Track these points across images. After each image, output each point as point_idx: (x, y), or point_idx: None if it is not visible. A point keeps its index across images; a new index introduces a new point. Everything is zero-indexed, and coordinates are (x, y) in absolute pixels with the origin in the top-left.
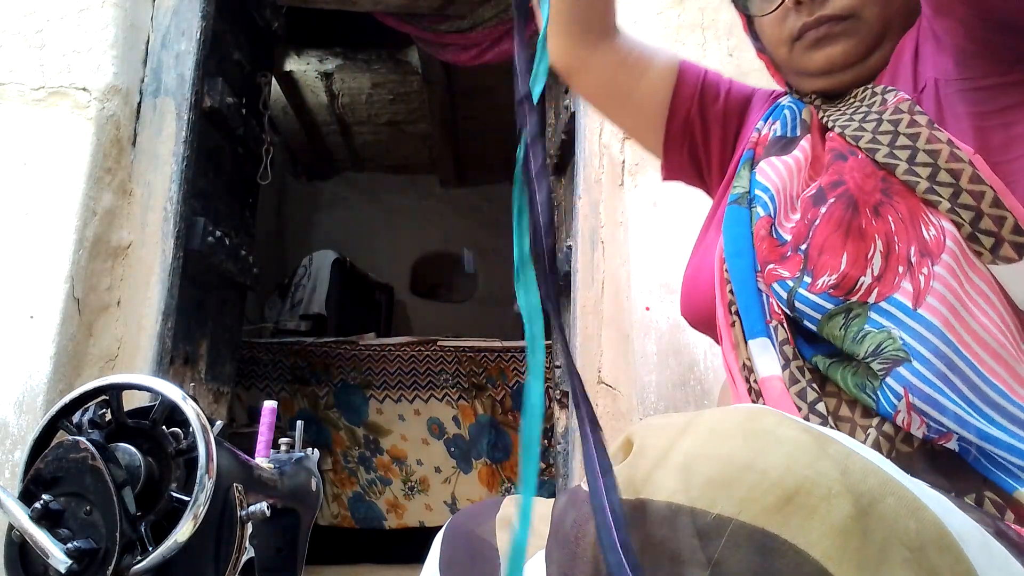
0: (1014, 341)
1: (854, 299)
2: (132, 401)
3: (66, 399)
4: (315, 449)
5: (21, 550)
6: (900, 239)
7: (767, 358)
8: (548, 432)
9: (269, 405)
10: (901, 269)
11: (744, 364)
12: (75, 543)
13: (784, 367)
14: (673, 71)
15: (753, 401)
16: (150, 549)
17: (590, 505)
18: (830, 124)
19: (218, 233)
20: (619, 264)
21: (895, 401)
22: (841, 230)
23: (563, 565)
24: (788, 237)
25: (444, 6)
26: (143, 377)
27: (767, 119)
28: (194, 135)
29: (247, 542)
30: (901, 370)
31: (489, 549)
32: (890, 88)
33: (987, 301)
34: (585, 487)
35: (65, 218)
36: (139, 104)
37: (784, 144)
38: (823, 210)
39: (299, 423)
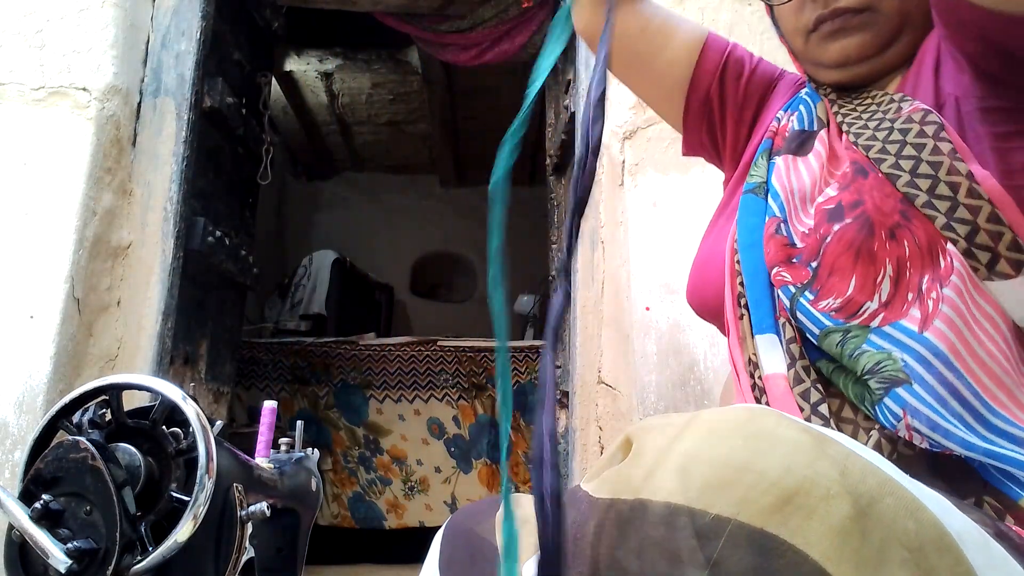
0: (1016, 366)
1: (855, 322)
2: (132, 401)
3: (66, 399)
4: (315, 449)
5: (21, 550)
6: (913, 265)
7: (773, 355)
8: None
9: (269, 405)
10: (911, 296)
11: (750, 359)
12: (75, 543)
13: (790, 366)
14: (698, 44)
15: (756, 398)
16: (150, 549)
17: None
18: (845, 127)
19: (218, 233)
20: (619, 264)
21: (894, 420)
22: (852, 251)
23: None
24: (799, 244)
25: (444, 6)
26: (143, 377)
27: (788, 108)
28: (194, 135)
29: (247, 542)
30: (900, 391)
31: (489, 548)
32: (907, 97)
33: (992, 323)
34: (584, 487)
35: (65, 218)
36: (139, 104)
37: (801, 141)
38: (836, 228)
39: (299, 423)
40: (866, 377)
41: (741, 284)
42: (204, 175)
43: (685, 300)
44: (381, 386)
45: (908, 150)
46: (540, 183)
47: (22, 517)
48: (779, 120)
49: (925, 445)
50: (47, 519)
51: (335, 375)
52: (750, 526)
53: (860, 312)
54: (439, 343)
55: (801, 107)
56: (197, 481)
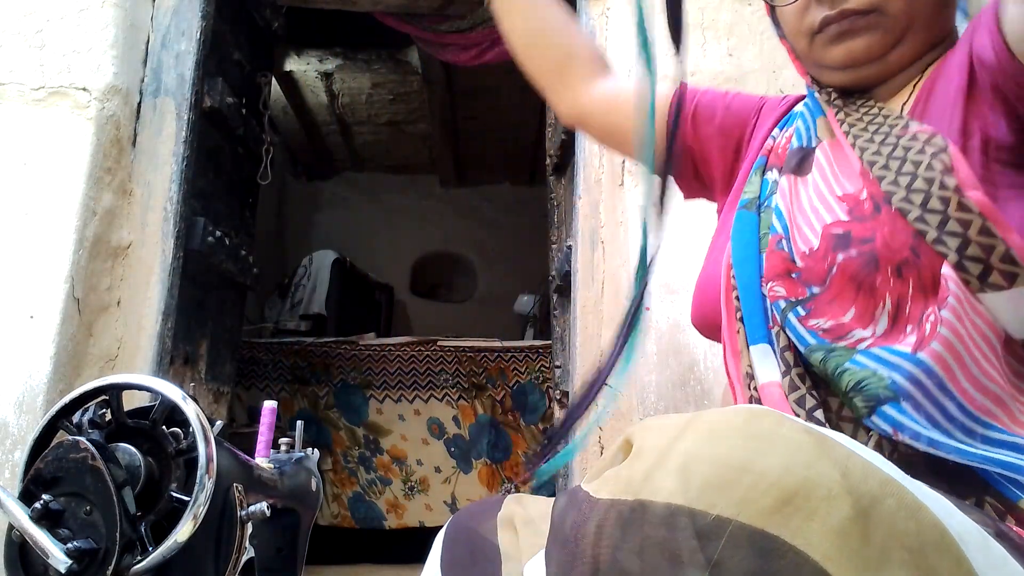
0: (1008, 379)
1: (841, 345)
2: (132, 401)
3: (66, 399)
4: (315, 449)
5: (21, 550)
6: (914, 301)
7: (768, 364)
8: (548, 432)
9: (269, 405)
10: (910, 328)
11: (746, 372)
12: (75, 543)
13: (784, 373)
14: (665, 105)
15: None
16: (150, 549)
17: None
18: (851, 139)
19: (218, 233)
20: (619, 264)
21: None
22: (854, 284)
23: (562, 565)
24: (800, 263)
25: (444, 6)
26: (143, 377)
27: (783, 126)
28: (194, 135)
29: (247, 542)
30: (887, 409)
31: (491, 548)
32: (914, 120)
33: (985, 339)
34: (585, 487)
35: (65, 218)
36: (139, 104)
37: (801, 158)
38: (841, 258)
39: (299, 423)
40: (851, 395)
41: (737, 299)
42: (204, 175)
43: (685, 300)
44: (381, 386)
45: (919, 183)
46: (540, 183)
47: (22, 517)
48: (774, 138)
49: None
50: (47, 519)
51: (335, 375)
52: (751, 527)
53: (848, 336)
54: (439, 343)
55: (799, 123)
56: (197, 481)
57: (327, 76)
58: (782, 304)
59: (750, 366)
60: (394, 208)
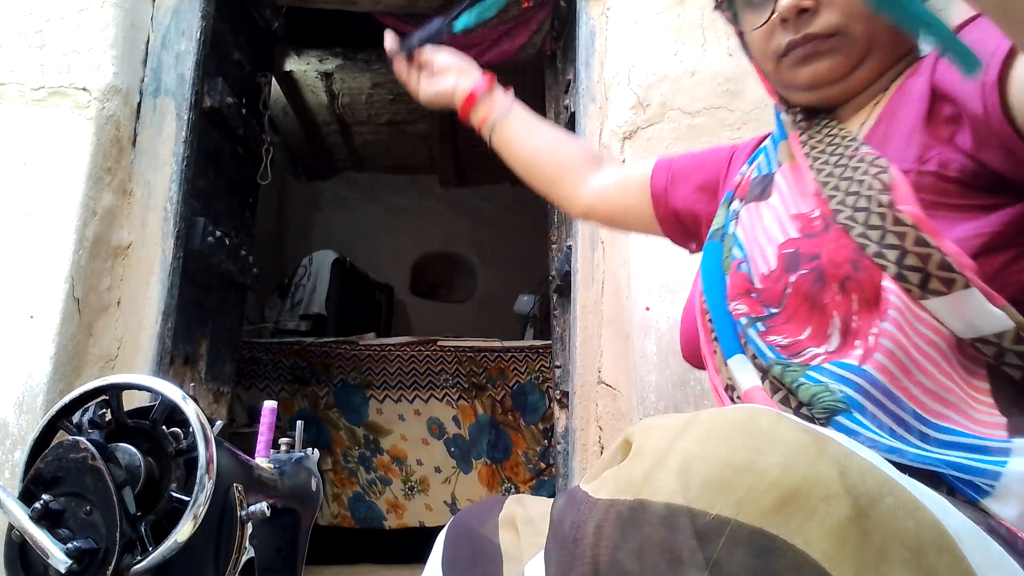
0: (958, 380)
1: (796, 362)
2: (132, 401)
3: (66, 399)
4: (315, 449)
5: (21, 550)
6: (860, 317)
7: (747, 371)
8: (548, 432)
9: (269, 405)
10: (858, 343)
11: (727, 384)
12: (75, 543)
13: (763, 378)
14: (645, 183)
15: None
16: (150, 549)
17: None
18: (811, 161)
19: (218, 233)
20: (619, 264)
21: None
22: (807, 303)
23: (562, 566)
24: (759, 284)
25: (444, 6)
26: (143, 377)
27: (750, 162)
28: (194, 135)
29: (247, 542)
30: (840, 419)
31: (492, 548)
32: (865, 144)
33: (931, 344)
34: (584, 487)
35: (65, 218)
36: (139, 104)
37: (763, 186)
38: (793, 279)
39: (299, 423)
40: (808, 407)
41: (710, 321)
42: (204, 175)
43: (685, 300)
44: (381, 386)
45: (862, 201)
46: None
47: (22, 517)
48: (742, 174)
49: None
50: (47, 519)
51: (335, 375)
52: (750, 526)
53: (802, 354)
54: (439, 343)
55: (762, 156)
56: (197, 481)
57: (327, 76)
58: (743, 321)
59: (730, 378)
60: (394, 208)
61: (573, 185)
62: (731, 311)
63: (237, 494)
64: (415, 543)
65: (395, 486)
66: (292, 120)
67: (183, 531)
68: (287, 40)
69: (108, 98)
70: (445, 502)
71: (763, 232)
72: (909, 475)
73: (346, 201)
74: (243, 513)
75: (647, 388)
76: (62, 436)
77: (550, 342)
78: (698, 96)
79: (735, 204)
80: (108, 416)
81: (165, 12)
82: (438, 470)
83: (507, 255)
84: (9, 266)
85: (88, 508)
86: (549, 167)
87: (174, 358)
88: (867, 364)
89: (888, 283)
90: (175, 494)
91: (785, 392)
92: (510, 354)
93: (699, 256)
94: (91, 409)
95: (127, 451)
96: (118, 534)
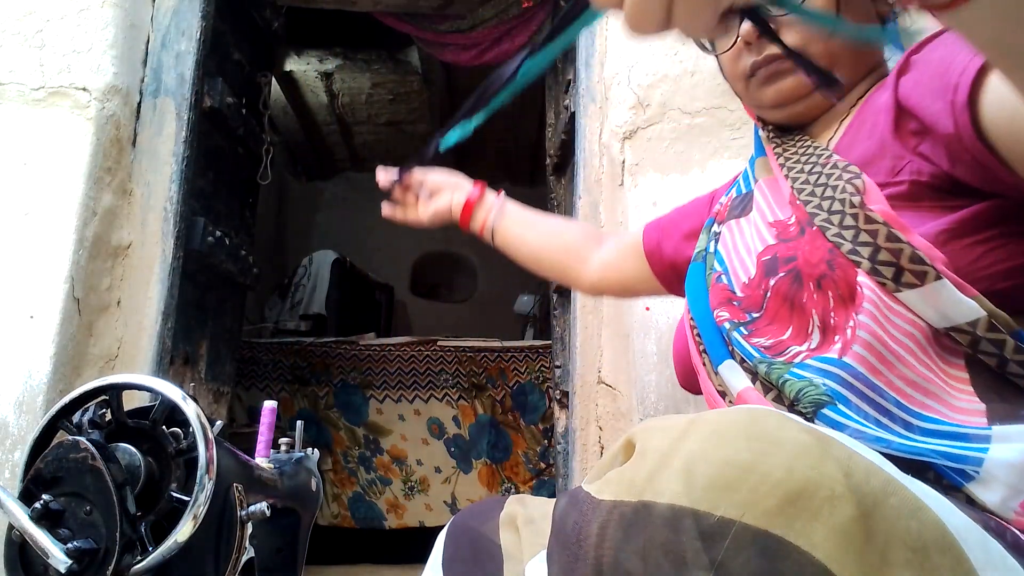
0: (937, 370)
1: (780, 360)
2: (132, 401)
3: (66, 399)
4: (315, 449)
5: (21, 550)
6: (837, 312)
7: (737, 375)
8: (548, 432)
9: (269, 405)
10: (837, 337)
11: (719, 391)
12: (75, 543)
13: (753, 380)
14: (639, 245)
15: None
16: (150, 549)
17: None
18: (786, 172)
19: (218, 233)
20: None
21: None
22: (787, 304)
23: (564, 566)
24: (739, 292)
25: (444, 6)
26: (143, 377)
27: (728, 192)
28: (194, 135)
29: (247, 542)
30: (826, 411)
31: (493, 547)
32: (836, 154)
33: (908, 335)
34: (586, 488)
35: (65, 218)
36: (139, 104)
37: (743, 205)
38: (772, 282)
39: (299, 423)
40: (795, 403)
41: (698, 335)
42: (204, 175)
43: (675, 330)
44: (381, 386)
45: (836, 205)
46: (540, 183)
47: (22, 517)
48: (721, 203)
49: None
50: (47, 519)
51: (335, 375)
52: (755, 528)
53: (785, 352)
54: (439, 343)
55: (740, 180)
56: (197, 481)
57: (327, 76)
58: (727, 326)
59: (722, 384)
60: None
61: (579, 267)
62: (715, 319)
63: (237, 494)
64: (415, 543)
65: (395, 486)
66: (292, 120)
67: (183, 531)
68: (287, 40)
69: (108, 98)
70: (445, 502)
71: (743, 244)
72: (895, 464)
73: (346, 201)
74: (243, 513)
75: (647, 388)
76: (62, 436)
77: (550, 342)
78: (698, 96)
79: (715, 227)
80: (108, 416)
81: (165, 12)
82: (438, 470)
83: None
84: (9, 266)
85: (88, 508)
86: (553, 256)
87: (174, 358)
88: (847, 357)
89: (863, 278)
90: (175, 494)
91: (776, 391)
92: (510, 354)
93: None
94: (91, 409)
95: (127, 451)
96: (118, 534)
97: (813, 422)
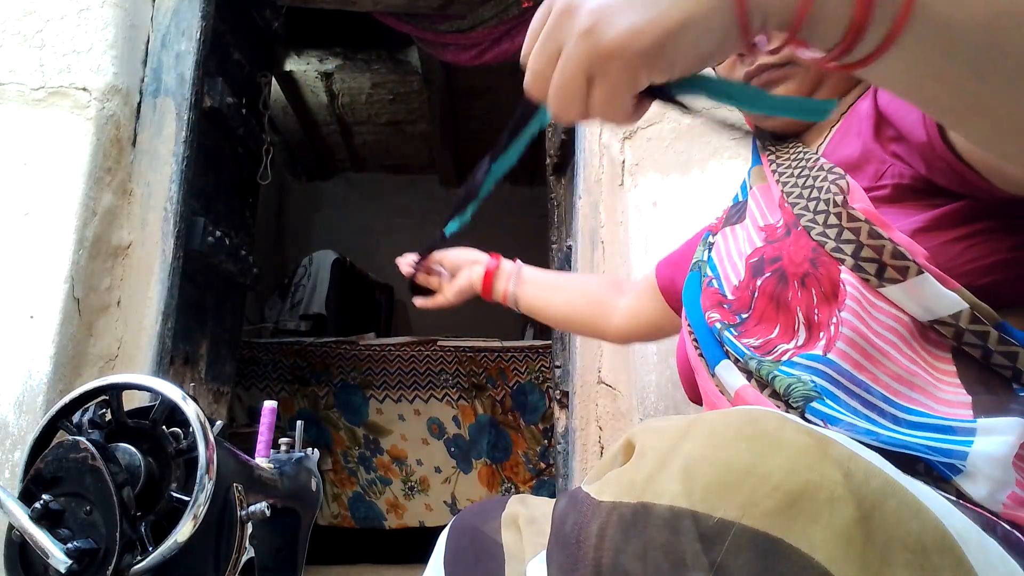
0: (923, 364)
1: (768, 359)
2: (132, 401)
3: (66, 399)
4: (315, 449)
5: (21, 550)
6: (820, 309)
7: (733, 374)
8: (548, 432)
9: (269, 405)
10: (822, 334)
11: (717, 391)
12: (75, 543)
13: (749, 378)
14: (653, 284)
15: None
16: (150, 549)
17: None
18: (777, 177)
19: (218, 233)
20: (619, 264)
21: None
22: (774, 303)
23: (564, 567)
24: (730, 295)
25: (444, 6)
26: (143, 377)
27: (727, 207)
28: (194, 135)
29: (247, 542)
30: (816, 405)
31: (495, 546)
32: (821, 157)
33: (892, 331)
34: (586, 489)
35: (65, 218)
36: (139, 104)
37: (739, 213)
38: (759, 282)
39: (299, 423)
40: (785, 398)
41: (695, 340)
42: (204, 175)
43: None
44: (381, 386)
45: (821, 205)
46: (540, 183)
47: (22, 517)
48: (718, 218)
49: None
50: (47, 519)
51: (335, 375)
52: (754, 529)
53: (774, 351)
54: (439, 343)
55: (739, 190)
56: (197, 481)
57: (327, 76)
58: (719, 326)
59: (719, 383)
60: (394, 208)
61: (606, 320)
62: (707, 321)
63: (237, 494)
64: (415, 543)
65: (395, 486)
66: (292, 120)
67: (183, 531)
68: (287, 40)
69: (108, 98)
70: (445, 502)
71: (736, 249)
72: (884, 457)
73: (346, 201)
74: (243, 513)
75: (647, 388)
76: (62, 436)
77: (550, 342)
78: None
79: (711, 238)
80: (108, 416)
81: (165, 12)
82: (438, 470)
83: (507, 255)
84: (9, 266)
85: (88, 508)
86: (582, 314)
87: (174, 358)
88: (831, 353)
89: (846, 275)
90: (175, 494)
91: (771, 388)
92: (510, 354)
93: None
94: (91, 409)
95: (127, 451)
96: (118, 534)
97: (804, 416)
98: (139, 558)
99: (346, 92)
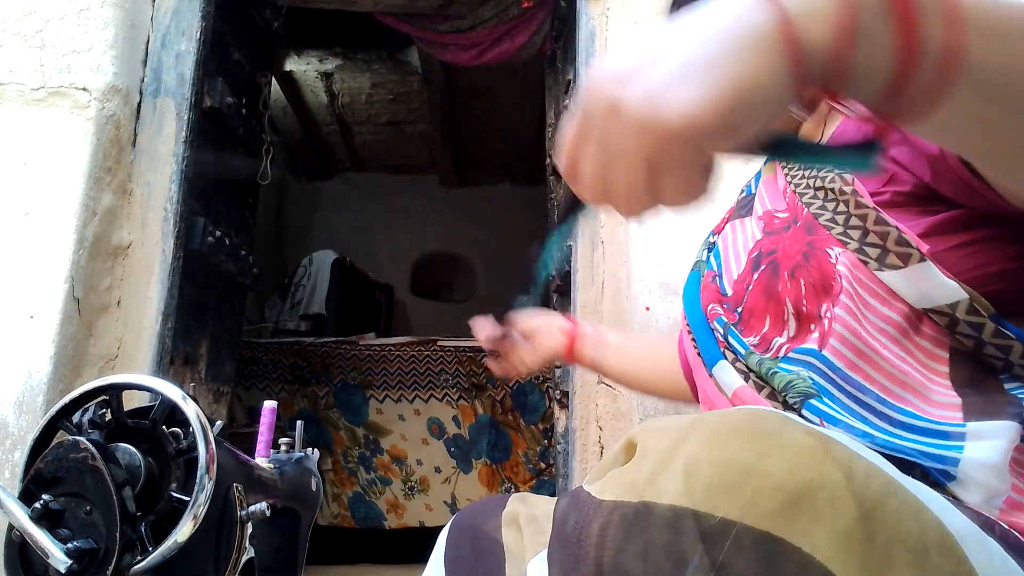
0: (917, 364)
1: (767, 356)
2: (132, 401)
3: (66, 399)
4: (315, 449)
5: (21, 550)
6: (809, 300)
7: (730, 375)
8: (548, 432)
9: (269, 405)
10: (813, 326)
11: (716, 392)
12: (75, 543)
13: (746, 379)
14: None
15: None
16: (150, 549)
17: None
18: (784, 170)
19: (218, 233)
20: (619, 264)
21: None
22: (765, 295)
23: (565, 566)
24: (729, 291)
25: (444, 6)
26: (143, 377)
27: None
28: (194, 135)
29: (247, 542)
30: (813, 402)
31: (495, 545)
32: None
33: (886, 331)
34: (587, 488)
35: (65, 218)
36: (139, 104)
37: (747, 206)
38: (755, 276)
39: (299, 423)
40: (783, 393)
41: (693, 340)
42: (204, 175)
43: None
44: (381, 386)
45: (829, 195)
46: (540, 183)
47: (22, 517)
48: (722, 218)
49: None
50: (47, 519)
51: (335, 375)
52: (756, 529)
53: (771, 347)
54: (439, 343)
55: (751, 181)
56: (197, 481)
57: (327, 76)
58: (724, 320)
59: (718, 384)
60: (394, 208)
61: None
62: (706, 316)
63: (237, 494)
64: (415, 543)
65: (395, 486)
66: (292, 120)
67: (183, 531)
68: (287, 40)
69: (108, 98)
70: (445, 502)
71: (742, 242)
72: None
73: (346, 201)
74: (243, 513)
75: None
76: (62, 436)
77: None
78: None
79: (711, 238)
80: (108, 416)
81: (165, 12)
82: (438, 470)
83: (507, 255)
84: (9, 266)
85: (88, 508)
86: (664, 379)
87: (174, 358)
88: (825, 350)
89: (843, 263)
90: (175, 494)
91: (770, 388)
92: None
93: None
94: (91, 409)
95: (127, 451)
96: (118, 534)
97: (800, 412)
98: (139, 558)
99: (346, 92)
